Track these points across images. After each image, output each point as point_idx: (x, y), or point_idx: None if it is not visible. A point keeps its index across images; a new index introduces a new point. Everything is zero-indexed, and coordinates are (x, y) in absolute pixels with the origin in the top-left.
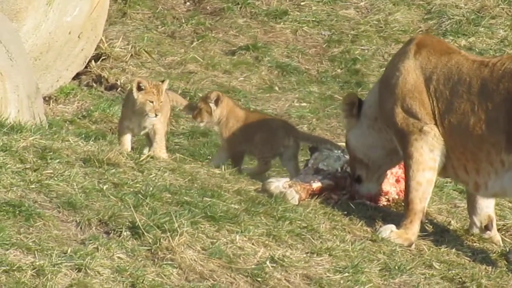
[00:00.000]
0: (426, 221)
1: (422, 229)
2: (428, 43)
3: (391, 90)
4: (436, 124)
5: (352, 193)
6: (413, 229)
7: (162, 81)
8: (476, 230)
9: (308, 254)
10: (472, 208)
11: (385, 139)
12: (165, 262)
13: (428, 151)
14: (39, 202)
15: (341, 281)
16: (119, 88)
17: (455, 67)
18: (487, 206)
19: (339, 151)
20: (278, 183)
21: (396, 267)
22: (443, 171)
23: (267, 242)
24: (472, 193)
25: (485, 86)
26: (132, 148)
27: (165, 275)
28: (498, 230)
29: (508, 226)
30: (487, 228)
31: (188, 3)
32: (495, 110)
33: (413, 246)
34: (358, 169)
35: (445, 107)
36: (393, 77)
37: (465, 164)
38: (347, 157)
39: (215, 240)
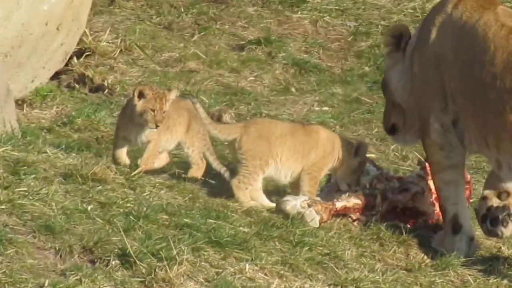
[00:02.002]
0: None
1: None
2: None
3: (421, 51)
4: (447, 105)
5: (382, 213)
6: (446, 242)
7: (170, 90)
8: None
9: (331, 287)
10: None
11: None
12: None
13: (439, 150)
14: (10, 226)
15: None
16: (106, 90)
17: (481, 28)
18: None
19: (367, 164)
20: (295, 202)
21: None
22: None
23: (282, 272)
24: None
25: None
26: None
27: None
28: None
29: None
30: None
31: None
32: None
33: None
34: (394, 116)
35: (468, 74)
36: (426, 33)
37: (486, 138)
38: (376, 170)
39: (220, 270)
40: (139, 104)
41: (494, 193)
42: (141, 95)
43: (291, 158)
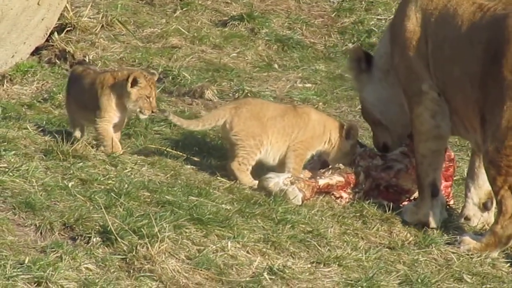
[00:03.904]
0: (450, 205)
1: (448, 232)
2: None
3: (394, 40)
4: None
5: (365, 191)
6: (423, 207)
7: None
8: (470, 210)
9: (314, 264)
10: (472, 179)
11: (398, 95)
12: (142, 274)
13: (430, 118)
14: None
15: None
16: None
17: (453, 7)
18: None
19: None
20: (277, 179)
21: (419, 280)
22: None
23: (264, 249)
24: (475, 159)
25: (472, 33)
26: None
27: None
28: None
29: None
30: (485, 206)
31: None
32: (475, 62)
33: (433, 225)
34: (381, 136)
35: (438, 55)
36: (396, 23)
37: (463, 121)
38: (360, 148)
39: (202, 248)
40: (134, 92)
41: (479, 205)
42: (134, 82)
43: (280, 140)
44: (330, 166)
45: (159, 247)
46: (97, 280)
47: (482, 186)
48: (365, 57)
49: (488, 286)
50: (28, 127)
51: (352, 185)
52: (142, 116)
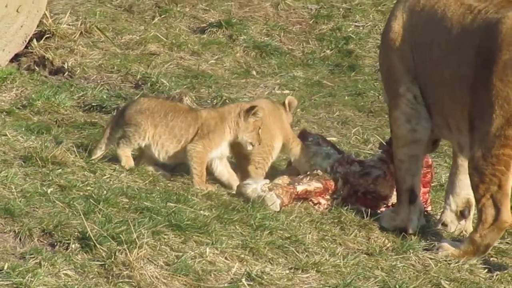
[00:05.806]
0: (428, 211)
1: (426, 238)
2: None
3: (381, 38)
4: (415, 79)
5: (343, 197)
6: (401, 213)
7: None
8: (448, 216)
9: (292, 270)
10: (451, 185)
11: None
12: (121, 280)
13: (405, 122)
14: None
15: None
16: (66, 73)
17: (441, 9)
18: (469, 187)
19: (328, 147)
20: (256, 186)
21: (397, 286)
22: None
23: (242, 255)
24: (456, 165)
25: (464, 36)
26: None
27: None
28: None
29: None
30: (462, 214)
31: None
32: (466, 65)
33: (411, 231)
34: None
35: (426, 56)
36: (386, 23)
37: (448, 121)
38: (338, 154)
39: (181, 254)
40: (251, 122)
41: (456, 212)
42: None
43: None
44: (308, 172)
45: (138, 253)
46: (76, 286)
47: (459, 194)
48: None
49: None
50: (7, 133)
51: (330, 191)
52: (250, 148)
